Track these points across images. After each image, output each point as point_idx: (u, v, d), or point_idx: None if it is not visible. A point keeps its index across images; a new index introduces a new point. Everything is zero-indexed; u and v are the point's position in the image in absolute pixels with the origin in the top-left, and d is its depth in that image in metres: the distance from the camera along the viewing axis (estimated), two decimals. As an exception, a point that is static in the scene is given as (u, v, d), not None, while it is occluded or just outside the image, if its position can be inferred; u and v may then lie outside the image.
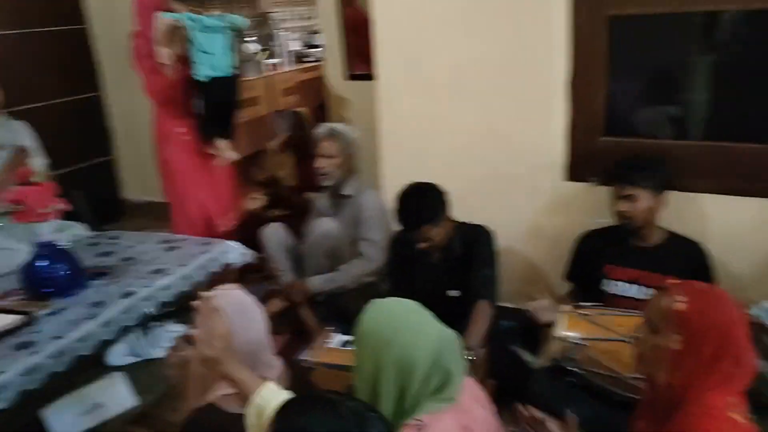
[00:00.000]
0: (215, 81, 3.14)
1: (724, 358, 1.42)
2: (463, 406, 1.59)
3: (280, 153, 4.30)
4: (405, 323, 1.52)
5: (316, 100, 4.84)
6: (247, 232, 3.37)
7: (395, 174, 3.13)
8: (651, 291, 2.41)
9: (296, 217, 3.42)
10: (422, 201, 2.49)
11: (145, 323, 2.81)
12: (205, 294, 1.60)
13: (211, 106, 3.19)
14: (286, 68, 6.03)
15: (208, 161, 3.34)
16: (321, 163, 3.08)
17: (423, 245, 2.54)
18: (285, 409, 1.11)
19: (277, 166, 4.25)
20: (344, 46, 4.09)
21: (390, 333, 1.49)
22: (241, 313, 1.67)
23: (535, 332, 2.92)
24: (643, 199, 2.38)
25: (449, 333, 1.59)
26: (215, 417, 1.61)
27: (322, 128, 3.16)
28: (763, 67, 2.47)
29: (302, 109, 4.35)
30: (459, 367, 1.56)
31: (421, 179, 2.65)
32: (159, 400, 2.59)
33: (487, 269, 2.56)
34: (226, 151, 3.33)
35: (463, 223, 2.65)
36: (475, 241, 2.60)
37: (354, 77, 4.12)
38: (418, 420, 1.46)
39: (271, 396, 1.44)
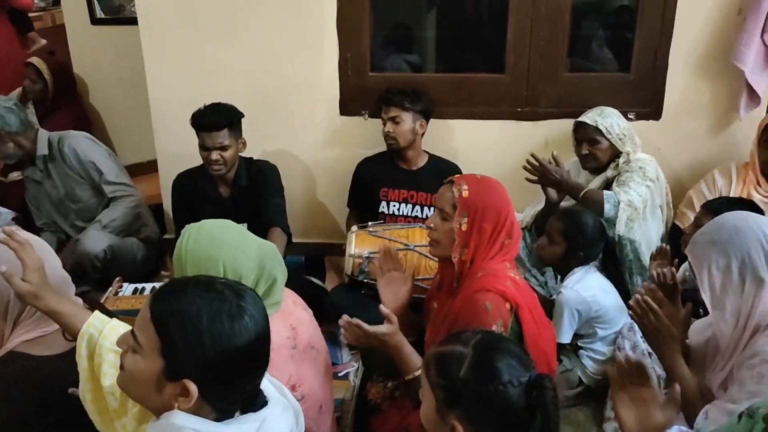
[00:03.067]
0: None
1: (501, 233, 1.74)
2: (287, 309, 1.70)
3: (16, 108, 3.80)
4: (226, 239, 1.56)
5: (46, 49, 4.35)
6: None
7: (166, 120, 3.02)
8: (419, 208, 2.79)
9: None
10: (220, 108, 2.56)
11: None
12: (7, 229, 1.43)
13: None
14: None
15: None
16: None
17: (216, 158, 2.54)
18: (160, 293, 1.09)
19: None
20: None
21: (215, 250, 1.51)
22: (38, 247, 1.54)
23: (319, 263, 3.14)
24: (406, 121, 2.68)
25: (267, 242, 1.67)
26: (20, 363, 1.48)
27: None
28: (497, 9, 2.90)
29: (36, 59, 3.86)
30: (281, 271, 1.64)
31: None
32: None
33: (278, 198, 2.67)
34: None
35: (249, 158, 2.71)
36: (260, 173, 2.68)
37: (99, 21, 3.77)
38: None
39: (100, 324, 1.37)
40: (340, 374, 2.35)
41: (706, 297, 1.53)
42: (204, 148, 2.55)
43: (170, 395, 1.06)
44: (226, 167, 2.59)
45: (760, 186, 2.54)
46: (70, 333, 1.39)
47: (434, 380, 1.21)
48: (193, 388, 1.04)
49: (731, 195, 2.53)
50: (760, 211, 2.09)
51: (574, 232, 2.25)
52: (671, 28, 2.71)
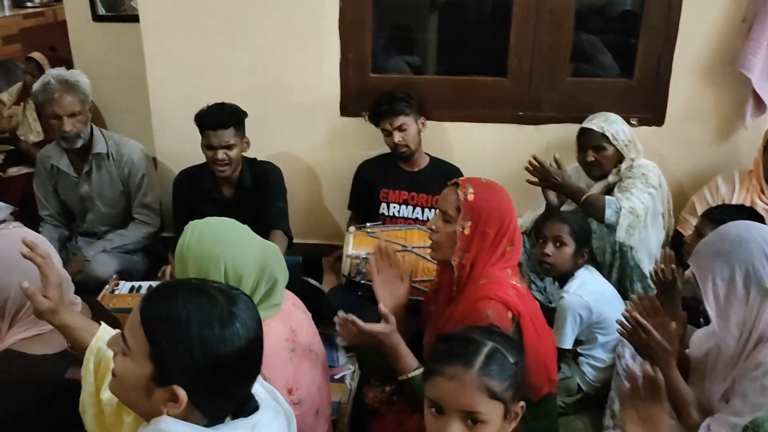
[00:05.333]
0: None
1: (503, 239, 1.73)
2: (287, 311, 1.68)
3: (17, 105, 3.79)
4: (229, 238, 1.54)
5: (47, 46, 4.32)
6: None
7: (166, 118, 3.00)
8: (419, 209, 2.77)
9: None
10: (224, 107, 2.56)
11: None
12: (28, 240, 1.40)
13: None
14: (7, 13, 5.28)
15: None
16: (67, 125, 2.63)
17: (222, 157, 2.53)
18: (151, 296, 1.07)
19: (13, 119, 3.75)
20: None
21: (218, 249, 1.50)
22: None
23: (317, 264, 3.12)
24: (411, 125, 2.67)
25: (269, 243, 1.66)
26: (16, 362, 1.47)
27: (52, 81, 2.64)
28: (500, 12, 2.88)
29: (37, 54, 3.85)
30: (282, 273, 1.63)
31: (193, 122, 2.60)
32: None
33: (280, 201, 2.66)
34: None
35: (253, 159, 2.69)
36: (264, 174, 2.67)
37: (100, 18, 3.76)
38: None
39: (108, 336, 1.37)
40: (336, 377, 2.34)
41: (710, 308, 1.51)
42: (209, 147, 2.54)
43: (159, 400, 1.05)
44: (231, 167, 2.58)
45: (763, 194, 2.53)
46: (78, 347, 1.38)
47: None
48: (182, 393, 1.02)
49: (734, 202, 2.51)
50: (761, 219, 2.08)
51: (579, 230, 2.26)
52: (675, 34, 2.70)
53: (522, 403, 1.20)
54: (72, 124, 2.64)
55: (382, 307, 1.69)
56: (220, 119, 2.52)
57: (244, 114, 2.59)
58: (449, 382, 1.16)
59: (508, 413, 1.18)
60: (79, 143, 2.71)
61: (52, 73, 2.67)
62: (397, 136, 2.66)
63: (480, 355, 1.18)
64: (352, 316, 1.67)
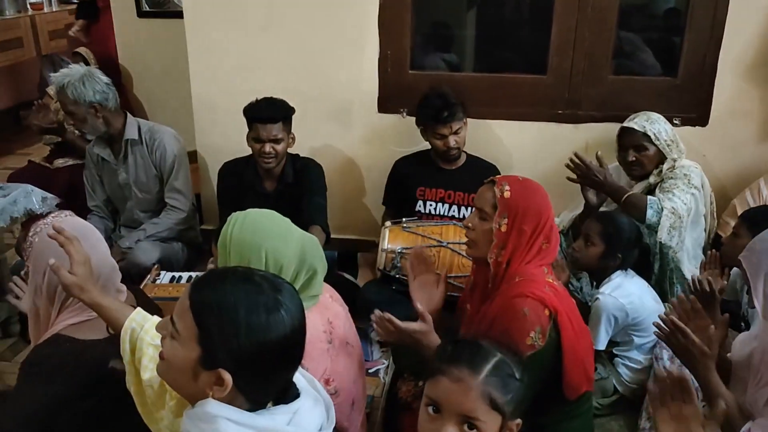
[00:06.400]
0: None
1: (540, 236, 1.71)
2: (325, 303, 1.71)
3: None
4: (270, 229, 1.57)
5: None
6: (34, 182, 3.04)
7: (206, 113, 3.07)
8: (455, 207, 2.77)
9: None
10: (275, 102, 2.60)
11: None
12: (55, 224, 1.48)
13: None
14: (54, 8, 5.43)
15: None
16: (66, 121, 2.83)
17: (269, 150, 2.57)
18: (200, 282, 1.10)
19: (60, 112, 3.85)
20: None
21: (259, 239, 1.53)
22: (86, 238, 1.58)
23: (352, 259, 3.14)
24: (463, 129, 2.68)
25: (309, 235, 1.68)
26: (66, 346, 1.53)
27: (53, 81, 2.79)
28: (541, 9, 2.87)
29: (84, 50, 3.95)
30: (321, 264, 1.65)
31: (234, 116, 2.66)
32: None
33: (320, 197, 2.69)
34: None
35: (296, 155, 2.74)
36: (305, 170, 2.71)
37: (145, 14, 3.85)
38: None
39: (142, 319, 1.41)
40: (370, 371, 2.36)
41: (759, 305, 1.48)
42: (257, 140, 2.59)
43: (205, 383, 1.07)
44: (277, 160, 2.62)
45: (807, 197, 2.47)
46: (113, 327, 1.44)
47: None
48: (227, 377, 1.05)
49: (777, 205, 2.45)
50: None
51: (612, 232, 2.21)
52: (721, 32, 2.65)
53: (518, 421, 1.18)
54: (68, 120, 2.84)
55: (419, 306, 1.69)
56: (270, 113, 2.57)
57: (292, 110, 2.63)
58: (453, 384, 1.15)
59: (503, 428, 1.17)
60: (90, 137, 2.90)
61: (57, 74, 2.79)
62: (452, 140, 2.66)
63: (488, 363, 1.17)
64: (388, 315, 1.67)
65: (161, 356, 1.14)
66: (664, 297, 2.30)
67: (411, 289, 1.92)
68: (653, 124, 2.48)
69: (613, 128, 2.63)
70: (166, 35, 3.68)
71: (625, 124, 2.54)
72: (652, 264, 2.38)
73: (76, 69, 2.82)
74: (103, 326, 1.52)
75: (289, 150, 2.70)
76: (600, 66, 2.77)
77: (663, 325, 1.63)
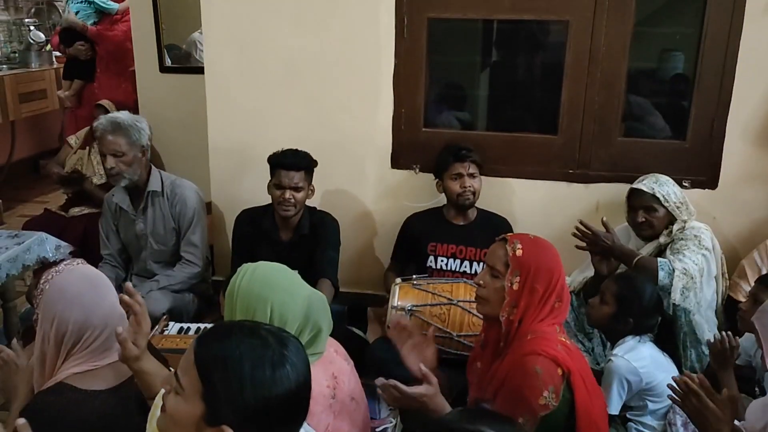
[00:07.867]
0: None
1: (552, 295, 1.71)
2: (329, 358, 1.70)
3: (82, 149, 3.99)
4: (278, 282, 1.59)
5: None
6: (49, 230, 3.09)
7: (223, 165, 3.13)
8: (467, 263, 2.76)
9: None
10: (299, 152, 2.67)
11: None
12: (130, 287, 1.51)
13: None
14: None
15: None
16: (110, 162, 2.79)
17: (289, 197, 2.61)
18: (205, 337, 1.10)
19: (79, 161, 3.94)
20: (157, 36, 3.93)
21: (265, 292, 1.55)
22: (96, 286, 1.61)
23: (362, 313, 3.13)
24: (478, 178, 2.72)
25: (317, 292, 1.69)
26: (68, 395, 1.52)
27: (103, 122, 2.84)
28: (552, 72, 2.94)
29: (105, 102, 4.07)
30: (327, 322, 1.65)
31: (251, 170, 2.72)
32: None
33: (332, 251, 2.72)
34: None
35: (313, 207, 2.78)
36: (322, 223, 2.75)
37: (167, 70, 3.98)
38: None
39: None
40: (377, 429, 2.31)
41: None
42: (278, 186, 2.63)
43: None
44: (296, 209, 2.65)
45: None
46: (149, 392, 1.44)
47: None
48: None
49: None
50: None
51: (627, 296, 2.17)
52: (729, 98, 2.69)
53: None
54: (115, 162, 2.78)
55: (423, 368, 1.66)
56: (294, 161, 2.63)
57: (315, 162, 2.69)
58: None
59: None
60: (124, 183, 2.85)
61: (108, 115, 2.87)
62: (468, 181, 2.69)
63: None
64: (393, 381, 1.65)
65: (163, 409, 1.13)
66: (677, 362, 2.26)
67: (403, 357, 1.84)
68: (662, 186, 2.50)
69: (623, 188, 2.64)
70: (186, 89, 3.78)
71: (635, 185, 2.56)
72: (675, 335, 2.33)
73: (125, 113, 2.92)
74: (108, 376, 1.52)
75: (307, 202, 2.74)
76: (609, 128, 2.81)
77: (676, 386, 1.60)
